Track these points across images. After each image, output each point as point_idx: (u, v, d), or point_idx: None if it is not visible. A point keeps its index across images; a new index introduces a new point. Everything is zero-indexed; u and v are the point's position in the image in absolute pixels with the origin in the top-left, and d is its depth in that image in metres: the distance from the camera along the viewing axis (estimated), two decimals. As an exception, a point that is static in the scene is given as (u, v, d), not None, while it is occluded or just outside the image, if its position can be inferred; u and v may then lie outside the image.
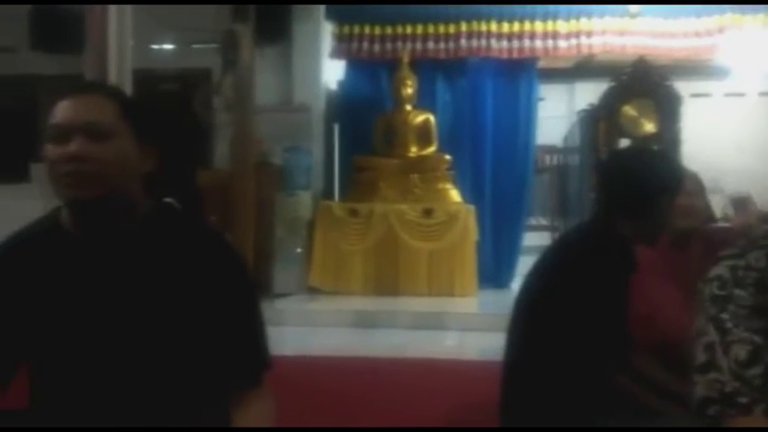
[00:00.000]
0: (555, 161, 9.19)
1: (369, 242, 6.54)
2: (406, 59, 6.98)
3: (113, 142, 1.30)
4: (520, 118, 7.15)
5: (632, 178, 1.84)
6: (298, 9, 6.97)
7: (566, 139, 8.47)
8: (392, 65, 7.10)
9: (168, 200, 1.48)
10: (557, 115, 8.83)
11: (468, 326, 5.42)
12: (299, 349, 4.73)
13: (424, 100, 7.09)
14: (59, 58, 6.74)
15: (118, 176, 1.31)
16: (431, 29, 7.11)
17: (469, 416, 2.92)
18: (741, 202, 5.85)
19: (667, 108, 6.61)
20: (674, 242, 2.07)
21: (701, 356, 1.18)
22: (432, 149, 6.93)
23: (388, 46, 7.19)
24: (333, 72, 7.46)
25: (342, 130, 7.52)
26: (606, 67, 7.38)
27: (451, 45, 7.09)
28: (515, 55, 7.01)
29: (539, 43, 6.95)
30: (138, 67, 4.96)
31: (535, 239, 7.52)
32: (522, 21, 6.96)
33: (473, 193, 6.96)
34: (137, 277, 1.32)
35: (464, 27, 7.04)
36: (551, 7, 6.93)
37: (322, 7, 7.17)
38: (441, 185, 6.74)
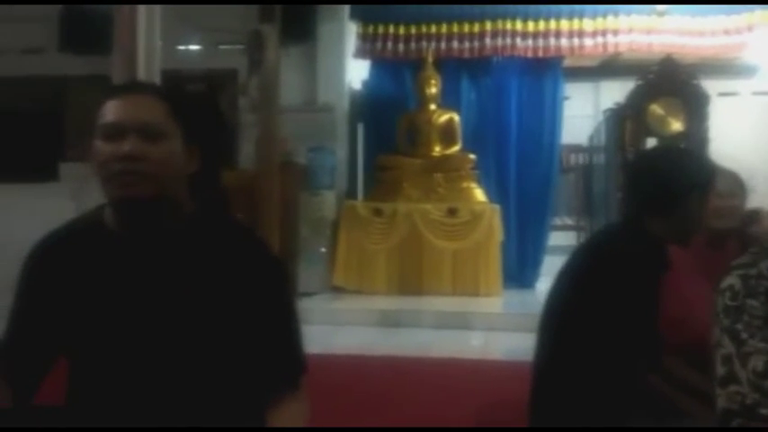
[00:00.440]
0: (580, 160, 9.13)
1: (393, 241, 6.55)
2: (430, 59, 6.98)
3: (165, 143, 1.31)
4: (545, 117, 7.12)
5: (661, 176, 1.82)
6: (323, 9, 7.00)
7: (591, 138, 8.40)
8: (416, 64, 7.10)
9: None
10: (582, 114, 8.77)
11: (492, 326, 5.41)
12: (323, 348, 4.75)
13: (449, 99, 7.08)
14: (87, 59, 6.84)
15: (167, 177, 1.31)
16: (455, 28, 7.11)
17: (494, 416, 2.91)
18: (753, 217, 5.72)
19: (695, 107, 6.54)
20: (709, 242, 2.04)
21: (719, 369, 1.18)
22: (456, 149, 6.92)
23: (413, 45, 7.20)
24: (357, 72, 7.48)
25: (366, 129, 7.54)
26: (632, 65, 7.31)
27: (476, 44, 7.07)
28: (540, 54, 6.98)
29: (564, 42, 6.92)
30: (166, 67, 5.02)
31: (560, 239, 7.50)
32: (547, 19, 6.93)
33: (498, 192, 6.95)
34: (179, 277, 1.33)
35: (489, 26, 7.03)
36: (577, 6, 6.89)
37: (346, 7, 7.18)
38: (465, 185, 6.73)
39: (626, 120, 6.74)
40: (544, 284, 6.71)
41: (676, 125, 6.58)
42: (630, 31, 6.83)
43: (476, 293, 6.32)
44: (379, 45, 7.24)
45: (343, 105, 7.21)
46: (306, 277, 6.44)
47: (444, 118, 6.95)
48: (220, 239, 1.38)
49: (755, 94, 8.46)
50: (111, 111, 1.31)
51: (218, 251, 1.36)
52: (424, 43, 7.14)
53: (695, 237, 1.89)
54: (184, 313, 1.31)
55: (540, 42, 6.95)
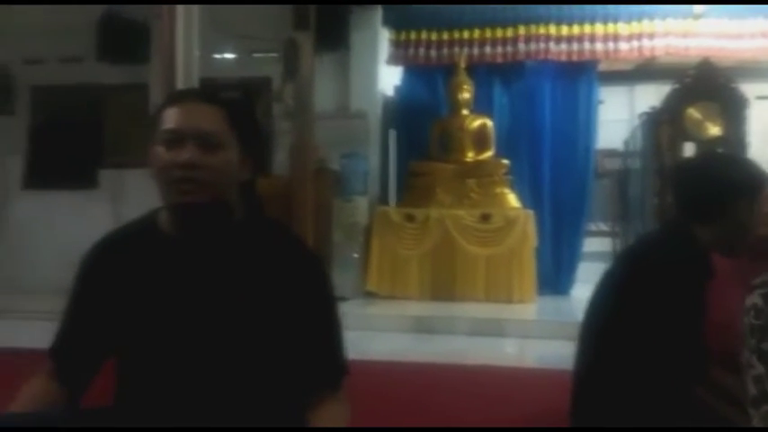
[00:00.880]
0: (615, 165, 9.02)
1: (425, 247, 6.54)
2: (462, 64, 6.96)
3: (223, 152, 1.34)
4: (579, 121, 7.06)
5: (709, 182, 1.79)
6: (356, 16, 7.04)
7: (626, 142, 8.31)
8: (449, 70, 7.09)
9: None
10: (617, 118, 8.67)
11: (527, 333, 5.36)
12: (356, 353, 4.75)
13: (481, 104, 7.06)
14: (124, 68, 6.97)
15: (223, 184, 1.35)
16: (488, 33, 7.09)
17: (529, 423, 2.89)
18: None
19: (733, 111, 6.44)
20: (756, 250, 2.00)
21: (751, 389, 1.17)
22: (489, 154, 6.89)
23: (445, 51, 7.19)
24: (389, 78, 7.50)
25: (398, 135, 7.55)
26: (667, 69, 7.21)
27: (509, 49, 7.04)
28: (575, 58, 6.92)
29: (599, 46, 6.85)
30: (202, 76, 5.10)
31: (595, 245, 7.41)
32: (581, 23, 6.87)
33: (532, 198, 6.90)
34: (229, 281, 1.36)
35: (522, 31, 6.99)
36: (612, 9, 6.82)
37: (379, 15, 7.22)
38: (498, 190, 6.70)
39: (662, 124, 6.65)
40: (579, 291, 6.64)
41: (714, 129, 6.47)
42: (667, 34, 6.74)
43: (509, 300, 6.28)
44: (411, 51, 7.26)
45: (376, 112, 7.24)
46: (339, 283, 6.34)
47: (477, 123, 6.93)
48: (268, 242, 1.42)
49: (795, 96, 8.28)
50: (171, 118, 1.34)
51: (266, 253, 1.39)
52: (457, 49, 7.13)
53: (744, 244, 1.85)
54: (235, 314, 1.34)
55: (575, 46, 6.89)
